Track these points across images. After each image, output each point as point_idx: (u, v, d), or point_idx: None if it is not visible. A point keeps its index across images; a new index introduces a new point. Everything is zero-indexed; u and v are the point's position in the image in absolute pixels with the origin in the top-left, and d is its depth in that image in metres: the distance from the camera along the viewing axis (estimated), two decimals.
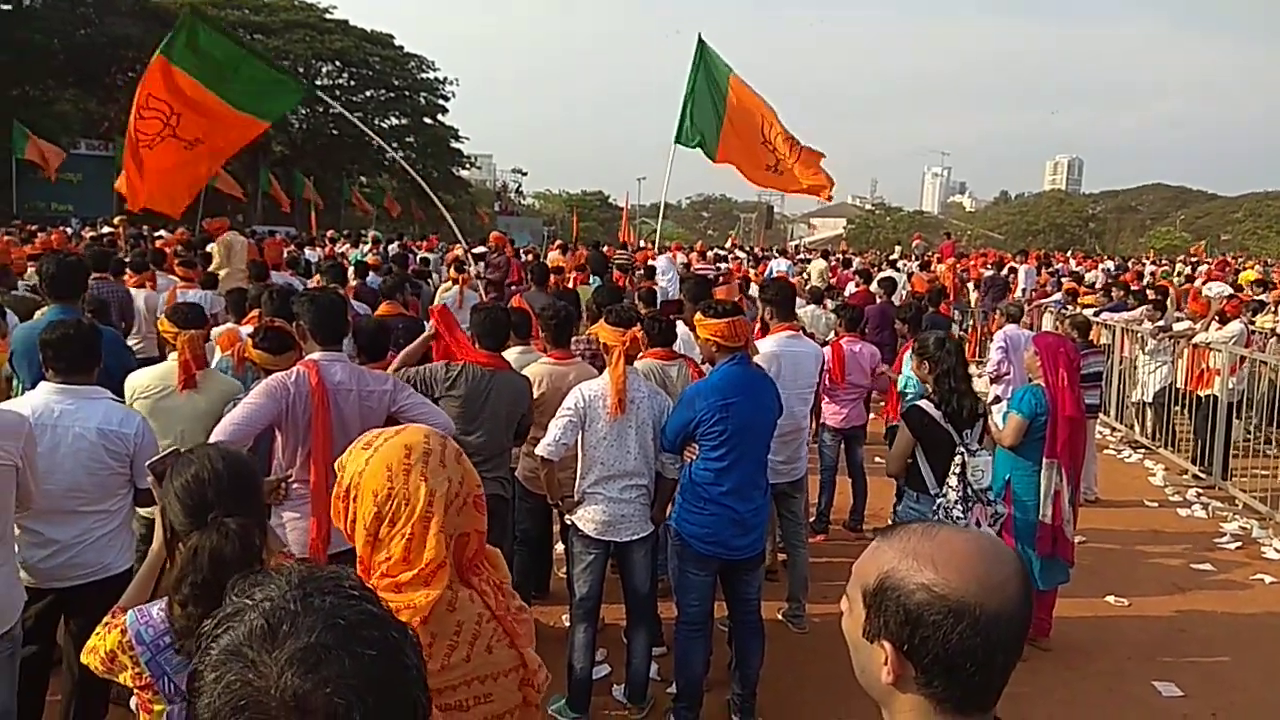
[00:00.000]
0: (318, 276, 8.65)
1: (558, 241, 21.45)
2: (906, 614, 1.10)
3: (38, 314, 5.08)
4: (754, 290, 10.93)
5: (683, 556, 3.96)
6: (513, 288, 11.05)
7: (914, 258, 23.21)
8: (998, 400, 7.32)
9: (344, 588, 0.92)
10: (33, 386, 3.55)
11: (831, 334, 8.72)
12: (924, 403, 4.35)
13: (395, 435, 1.66)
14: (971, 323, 15.34)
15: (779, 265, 17.10)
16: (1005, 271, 17.22)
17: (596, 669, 4.31)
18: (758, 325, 5.51)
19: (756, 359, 4.34)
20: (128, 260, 8.54)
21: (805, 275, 15.89)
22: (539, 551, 5.17)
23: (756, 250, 27.76)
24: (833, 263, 18.32)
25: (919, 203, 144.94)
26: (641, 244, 14.15)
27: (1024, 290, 16.31)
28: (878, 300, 10.44)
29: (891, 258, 22.66)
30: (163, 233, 16.97)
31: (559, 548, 5.35)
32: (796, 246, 38.56)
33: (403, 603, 1.58)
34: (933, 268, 17.58)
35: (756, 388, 3.95)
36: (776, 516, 5.23)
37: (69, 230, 17.39)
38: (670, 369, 4.90)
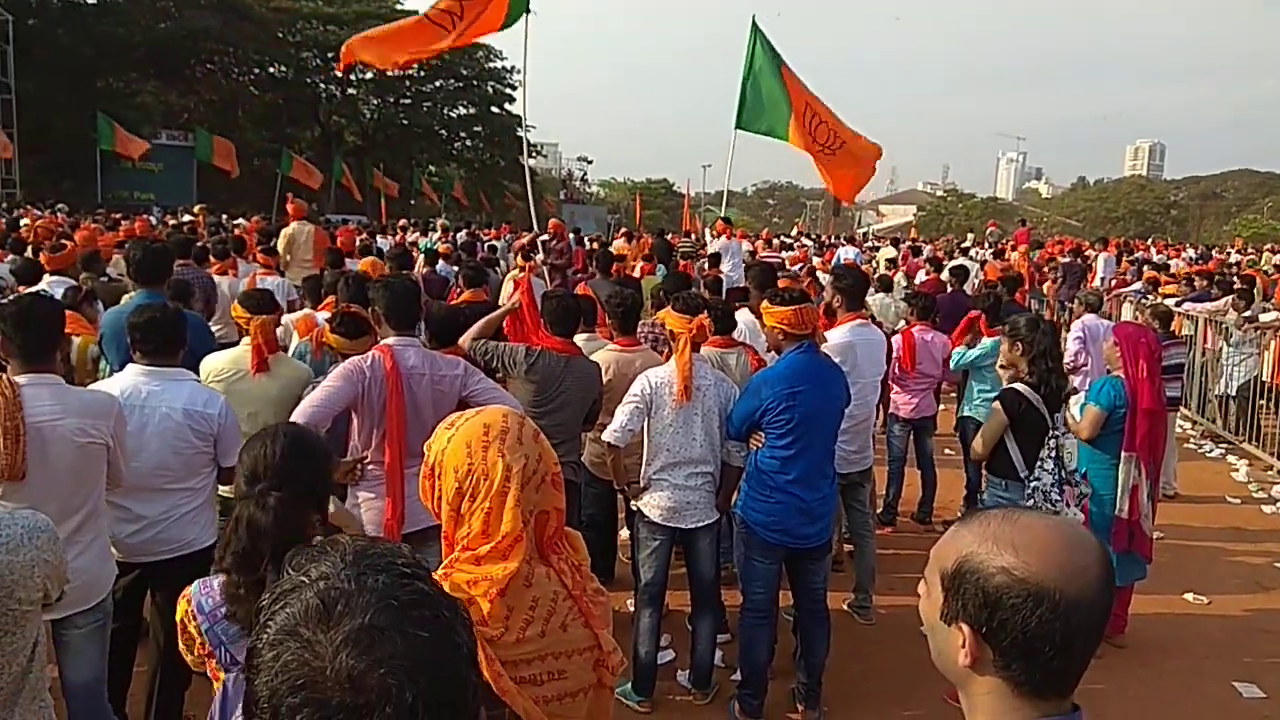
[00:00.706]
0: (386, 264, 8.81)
1: (623, 229, 21.48)
2: (985, 597, 1.11)
3: (124, 298, 5.29)
4: (823, 278, 10.83)
5: (748, 544, 3.96)
6: (577, 275, 11.11)
7: (987, 245, 22.66)
8: (1074, 392, 7.13)
9: (397, 566, 0.93)
10: (120, 369, 3.71)
11: (901, 323, 8.59)
12: (1019, 385, 4.28)
13: (476, 415, 1.72)
14: (1048, 312, 14.94)
15: (847, 253, 16.86)
16: (1083, 259, 16.72)
17: (661, 654, 4.34)
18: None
19: (827, 348, 4.30)
20: (209, 247, 8.82)
21: (874, 263, 15.66)
22: (604, 536, 5.21)
23: (824, 238, 27.44)
24: (902, 250, 17.99)
25: (993, 189, 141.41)
26: (706, 232, 14.08)
27: (1103, 279, 15.82)
28: (949, 289, 10.24)
29: (963, 245, 22.17)
30: (241, 220, 17.46)
31: (624, 533, 5.40)
32: (865, 234, 37.99)
33: (480, 575, 1.63)
34: (1006, 256, 17.15)
35: (824, 376, 3.91)
36: (843, 506, 5.19)
37: (152, 219, 17.99)
38: (729, 356, 4.88)
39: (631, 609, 4.67)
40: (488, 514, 1.62)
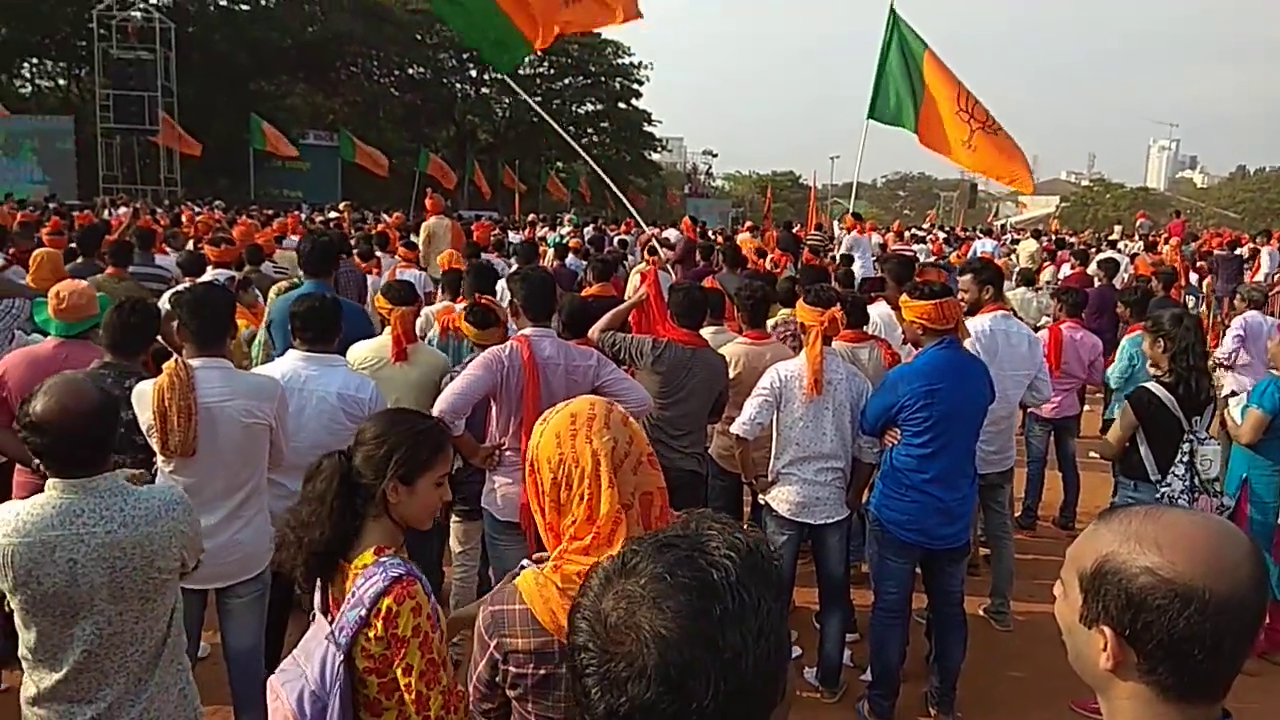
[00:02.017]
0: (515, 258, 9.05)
1: (747, 223, 21.35)
2: (1129, 598, 1.06)
3: (274, 289, 5.61)
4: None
5: (882, 543, 3.89)
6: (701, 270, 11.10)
7: (1137, 238, 21.38)
8: (1234, 394, 6.66)
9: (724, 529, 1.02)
10: (283, 353, 3.95)
11: (1043, 319, 8.22)
12: (1153, 385, 4.06)
13: (564, 407, 1.74)
14: (1204, 308, 13.99)
15: (984, 246, 16.23)
16: (1242, 252, 15.58)
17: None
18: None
19: (969, 341, 4.17)
20: (354, 243, 9.28)
21: (1013, 257, 15.03)
22: None
23: (958, 230, 26.50)
24: (1044, 243, 17.18)
25: (1143, 179, 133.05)
26: (835, 225, 13.86)
27: (1266, 275, 14.69)
28: (1096, 283, 9.72)
29: (1111, 238, 20.99)
30: (383, 216, 18.24)
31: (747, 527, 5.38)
32: (1003, 226, 36.47)
33: (589, 564, 1.63)
34: (1159, 249, 16.16)
35: (966, 372, 3.79)
36: (981, 508, 5.02)
37: (301, 215, 19.02)
38: (860, 351, 4.80)
39: None
40: (587, 500, 1.64)
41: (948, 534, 3.84)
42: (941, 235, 22.17)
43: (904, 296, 3.89)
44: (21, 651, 2.28)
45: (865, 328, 4.98)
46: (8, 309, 2.66)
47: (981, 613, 4.93)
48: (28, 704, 2.29)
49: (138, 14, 31.70)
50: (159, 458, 3.05)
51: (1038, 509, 6.35)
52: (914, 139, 8.73)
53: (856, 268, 10.00)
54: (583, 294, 6.48)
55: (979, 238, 20.37)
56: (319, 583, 2.06)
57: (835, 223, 14.31)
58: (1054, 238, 19.43)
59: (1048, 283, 11.51)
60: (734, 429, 4.04)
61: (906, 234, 18.32)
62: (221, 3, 38.76)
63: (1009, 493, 5.09)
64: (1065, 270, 11.79)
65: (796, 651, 4.49)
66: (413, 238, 10.79)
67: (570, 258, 10.85)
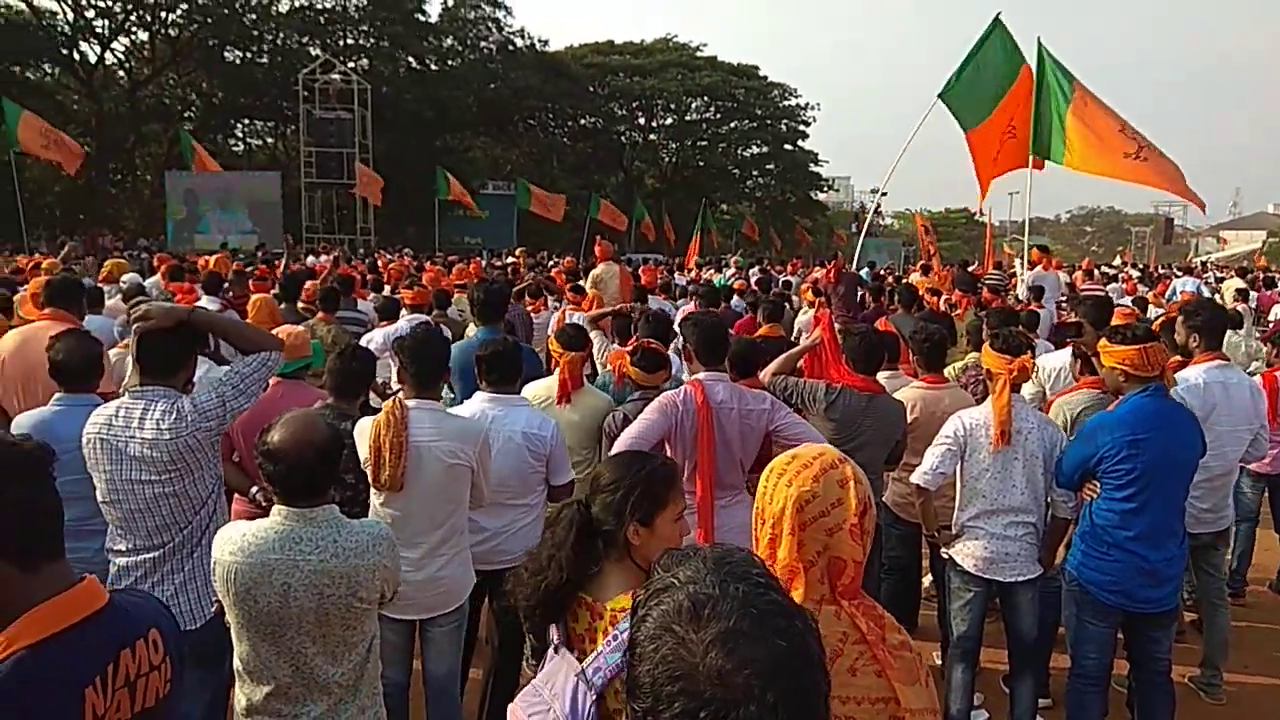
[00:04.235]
0: (694, 301, 9.13)
1: (920, 262, 20.72)
2: None
3: (467, 333, 5.91)
4: (1153, 312, 9.79)
5: (1080, 604, 3.63)
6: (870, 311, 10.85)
7: None
8: None
9: (753, 575, 1.04)
10: (465, 397, 4.15)
11: (1254, 364, 7.53)
12: None
13: (803, 448, 1.78)
14: None
15: (1185, 285, 15.01)
16: None
17: (974, 714, 4.07)
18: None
19: (1180, 392, 3.86)
20: (526, 287, 9.68)
21: (1218, 296, 13.84)
22: (907, 581, 5.00)
23: (1153, 268, 24.71)
24: (1252, 279, 15.75)
25: None
26: (1017, 262, 13.22)
27: None
28: None
29: None
30: (555, 261, 18.90)
31: (926, 579, 5.16)
32: (1203, 263, 33.71)
33: None
34: None
35: (1174, 422, 3.51)
36: (1192, 570, 4.60)
37: (481, 261, 20.00)
38: (1107, 398, 4.43)
39: (935, 661, 4.44)
40: (771, 540, 1.67)
41: (1154, 597, 3.54)
42: (1135, 273, 20.74)
43: (1103, 341, 3.66)
44: (236, 665, 2.47)
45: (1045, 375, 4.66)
46: (264, 360, 2.95)
47: (1189, 683, 4.50)
48: (241, 714, 2.47)
49: (338, 77, 34.56)
50: (373, 491, 3.25)
51: (1246, 572, 5.75)
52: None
53: (1049, 303, 9.51)
54: (753, 335, 6.48)
55: (1178, 275, 18.88)
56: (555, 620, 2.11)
57: (1017, 259, 13.65)
58: (1263, 276, 17.78)
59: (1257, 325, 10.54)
60: (914, 479, 3.89)
61: (1096, 272, 17.24)
62: (413, 65, 41.66)
63: (1224, 555, 4.65)
64: (1277, 312, 10.74)
65: (983, 716, 4.24)
66: (581, 282, 11.13)
67: (735, 299, 10.87)
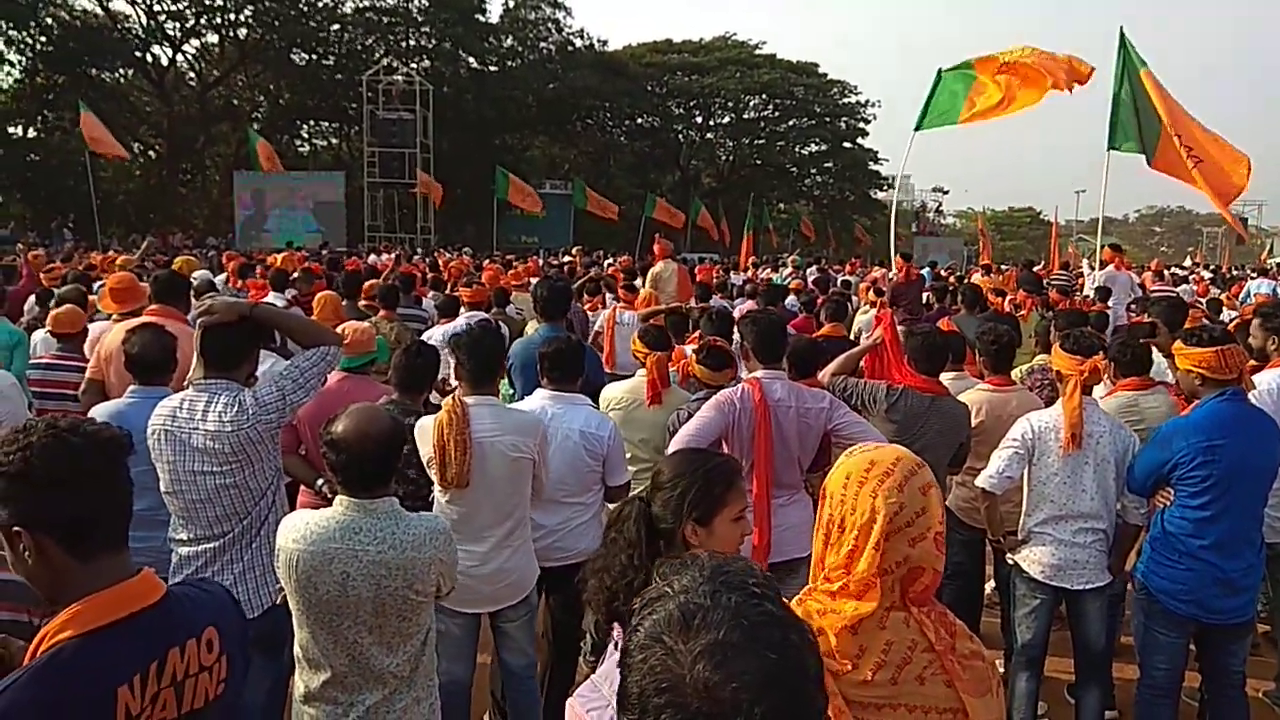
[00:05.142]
0: (751, 301, 9.08)
1: (984, 261, 20.33)
2: None
3: (529, 326, 5.95)
4: (1226, 315, 9.46)
5: (1150, 614, 3.51)
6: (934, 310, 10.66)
7: None
8: None
9: (749, 585, 1.01)
10: (526, 393, 4.17)
11: None
12: None
13: (873, 449, 1.71)
14: None
15: (1260, 286, 14.47)
16: None
17: None
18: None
19: (1255, 395, 3.72)
20: (583, 285, 9.72)
21: None
22: (970, 587, 4.89)
23: (1225, 269, 23.89)
24: None
25: None
26: (1085, 263, 12.87)
27: None
28: None
29: None
30: (611, 259, 18.97)
31: (989, 585, 5.04)
32: (1279, 265, 32.47)
33: (832, 608, 1.62)
34: None
35: (1253, 427, 3.37)
36: (1268, 581, 4.42)
37: (539, 260, 20.15)
38: (1147, 399, 4.33)
39: (1002, 671, 4.35)
40: (852, 550, 1.61)
41: (1228, 607, 3.41)
42: (1207, 275, 20.08)
43: (1178, 343, 3.53)
44: (295, 651, 2.51)
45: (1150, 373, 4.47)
46: (324, 354, 3.00)
47: (1263, 697, 4.34)
48: (299, 701, 2.51)
49: (400, 78, 35.15)
50: (436, 489, 3.29)
51: None
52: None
53: (1112, 303, 9.26)
54: (814, 334, 6.42)
55: (1252, 277, 18.21)
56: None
57: (1084, 260, 13.31)
58: None
59: None
60: (979, 482, 3.80)
61: (1167, 273, 16.72)
62: (473, 65, 42.16)
63: None
64: None
65: None
66: (637, 281, 11.13)
67: (790, 298, 10.77)
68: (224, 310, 2.93)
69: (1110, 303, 9.39)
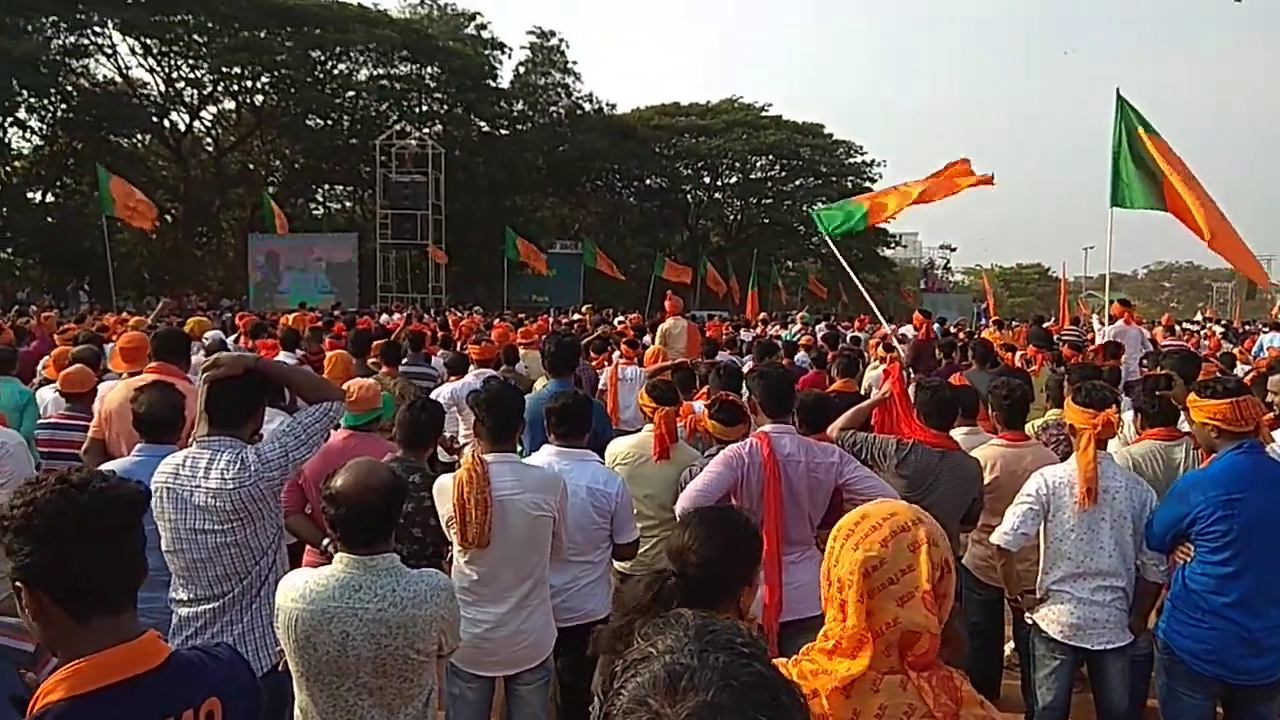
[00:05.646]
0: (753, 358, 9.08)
1: (994, 317, 20.31)
2: None
3: (537, 384, 5.95)
4: (1240, 369, 9.39)
5: (1173, 674, 3.41)
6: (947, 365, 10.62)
7: None
8: None
9: (736, 645, 0.97)
10: (532, 450, 4.14)
11: None
12: None
13: (876, 504, 1.69)
14: None
15: (1273, 340, 14.37)
16: None
17: None
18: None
19: (1273, 449, 3.66)
20: (591, 343, 9.74)
21: None
22: (988, 648, 4.78)
23: (1236, 324, 23.81)
24: None
25: None
26: (1094, 318, 12.82)
27: None
28: None
29: None
30: (622, 317, 19.04)
31: (1009, 646, 4.92)
32: None
33: (826, 668, 1.59)
34: None
35: (1273, 481, 3.30)
36: None
37: (549, 319, 20.25)
38: (1175, 450, 4.22)
39: None
40: (840, 605, 1.59)
41: (1255, 668, 3.30)
42: (1219, 329, 20.00)
43: (1192, 395, 3.49)
44: (296, 713, 2.46)
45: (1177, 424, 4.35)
46: (326, 409, 2.99)
47: None
48: None
49: (413, 142, 35.78)
50: (455, 548, 3.23)
51: None
52: (1171, 220, 8.28)
53: (1124, 358, 9.21)
54: (826, 390, 6.39)
55: (1264, 331, 18.11)
56: None
57: (1094, 315, 13.28)
58: None
59: None
60: (995, 539, 3.73)
61: (1177, 328, 16.67)
62: (485, 129, 42.93)
63: None
64: None
65: None
66: (646, 338, 11.15)
67: (800, 355, 10.76)
68: (230, 364, 2.92)
69: (1123, 358, 9.34)
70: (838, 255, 9.16)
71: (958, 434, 4.57)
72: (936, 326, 16.02)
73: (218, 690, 1.58)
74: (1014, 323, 21.14)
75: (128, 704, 1.45)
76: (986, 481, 4.27)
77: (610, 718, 0.94)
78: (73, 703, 1.41)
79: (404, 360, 7.98)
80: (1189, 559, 3.37)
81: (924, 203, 8.03)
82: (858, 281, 8.72)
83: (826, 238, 8.83)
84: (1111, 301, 10.79)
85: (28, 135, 35.51)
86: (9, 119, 33.72)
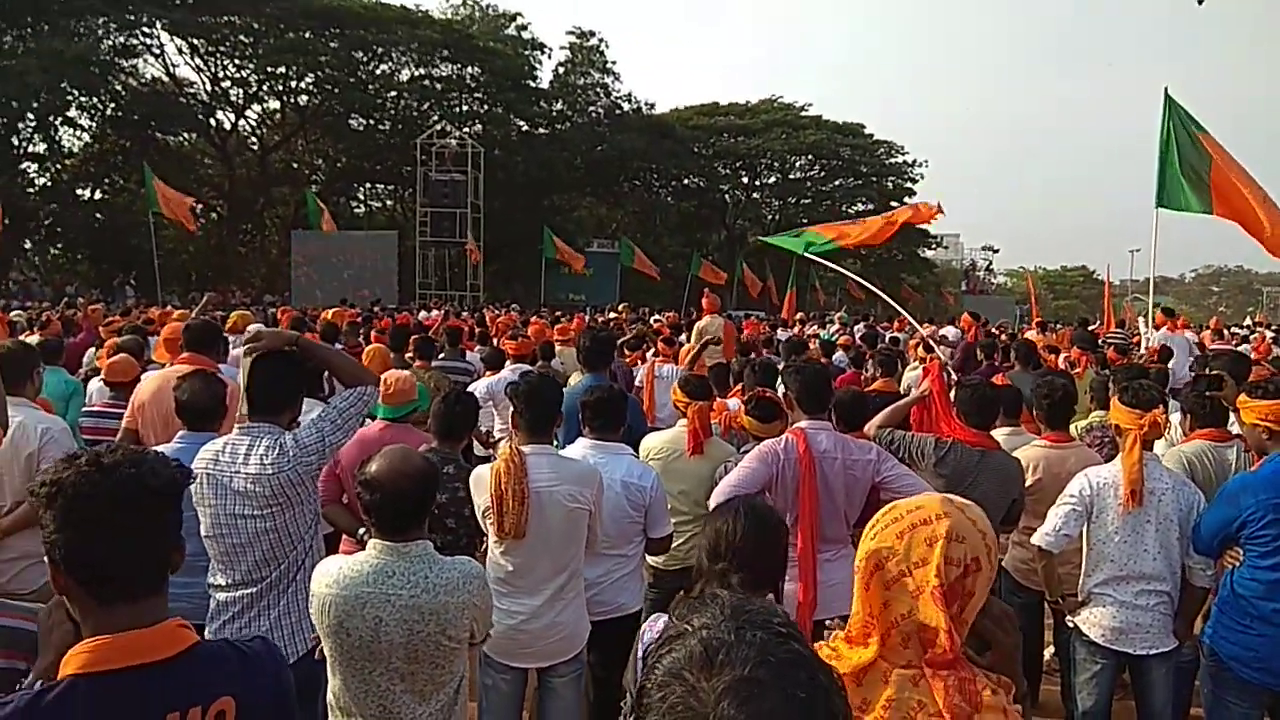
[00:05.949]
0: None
1: (1037, 319, 19.99)
2: None
3: (572, 379, 5.96)
4: None
5: (1219, 681, 3.32)
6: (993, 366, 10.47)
7: None
8: None
9: (773, 624, 0.96)
10: (568, 442, 4.14)
11: None
12: None
13: (909, 499, 1.66)
14: None
15: None
16: None
17: None
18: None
19: None
20: (627, 341, 9.73)
21: None
22: (1028, 653, 4.68)
23: None
24: None
25: None
26: (1140, 322, 12.57)
27: None
28: None
29: None
30: (658, 315, 19.05)
31: (1049, 650, 4.83)
32: None
33: (841, 653, 1.58)
34: None
35: None
36: None
37: (586, 317, 20.31)
38: (1227, 451, 4.11)
39: None
40: (859, 594, 1.59)
41: None
42: (1270, 334, 19.49)
43: (1243, 396, 3.40)
44: (328, 699, 2.47)
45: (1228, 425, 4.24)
46: (361, 394, 3.01)
47: None
48: None
49: (454, 141, 36.07)
50: (490, 539, 3.24)
51: None
52: (1231, 226, 8.10)
53: (1173, 364, 9.03)
54: (866, 389, 6.32)
55: None
56: None
57: (1140, 319, 13.04)
58: None
59: None
60: (1036, 540, 3.66)
61: (1226, 332, 16.28)
62: (524, 129, 43.18)
63: None
64: None
65: None
66: (681, 337, 11.13)
67: (838, 354, 10.67)
68: (271, 339, 2.96)
69: (1171, 364, 9.14)
70: (843, 272, 9.23)
71: (1000, 434, 4.49)
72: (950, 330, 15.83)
73: (237, 690, 1.51)
74: (1057, 325, 20.76)
75: (128, 691, 1.41)
76: (1029, 483, 4.20)
77: (644, 692, 0.93)
78: (76, 680, 1.39)
79: (440, 355, 8.04)
80: (1238, 563, 3.28)
81: (870, 245, 8.20)
82: (878, 291, 8.67)
83: (819, 259, 8.83)
84: (1155, 305, 10.61)
85: (78, 134, 36.40)
86: (60, 118, 34.54)
